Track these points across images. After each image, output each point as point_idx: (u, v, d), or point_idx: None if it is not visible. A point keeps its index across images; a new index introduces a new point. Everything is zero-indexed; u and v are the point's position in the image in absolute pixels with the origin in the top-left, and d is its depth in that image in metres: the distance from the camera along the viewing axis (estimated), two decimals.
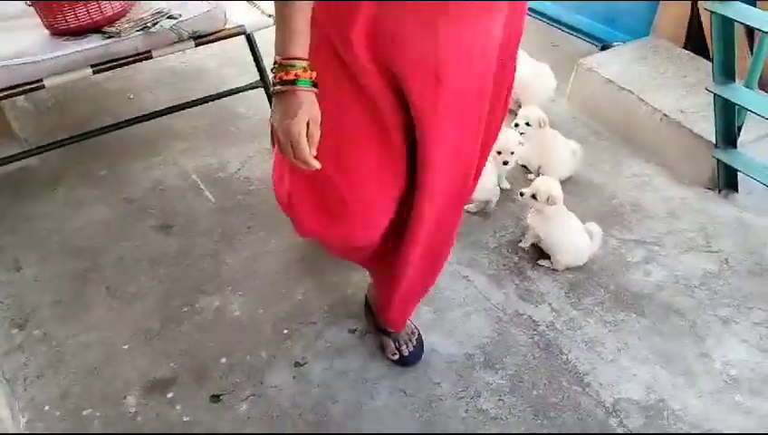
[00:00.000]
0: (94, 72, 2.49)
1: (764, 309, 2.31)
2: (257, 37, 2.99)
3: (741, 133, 2.64)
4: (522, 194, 2.48)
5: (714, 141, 2.68)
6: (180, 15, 2.58)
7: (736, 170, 2.68)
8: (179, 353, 2.20)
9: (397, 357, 2.13)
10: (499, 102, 1.65)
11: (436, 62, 1.38)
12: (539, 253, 2.52)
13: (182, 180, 2.94)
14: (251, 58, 3.07)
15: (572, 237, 2.44)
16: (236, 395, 2.07)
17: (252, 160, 3.06)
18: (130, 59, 2.54)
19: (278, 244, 2.62)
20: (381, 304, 2.10)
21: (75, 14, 2.48)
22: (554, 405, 2.03)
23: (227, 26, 2.73)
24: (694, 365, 2.13)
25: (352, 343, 2.23)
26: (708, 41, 3.15)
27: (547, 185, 2.43)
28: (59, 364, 2.17)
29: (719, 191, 2.77)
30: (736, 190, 2.76)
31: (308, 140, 1.33)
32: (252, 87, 3.14)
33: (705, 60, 3.17)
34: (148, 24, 2.51)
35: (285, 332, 2.27)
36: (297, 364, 2.16)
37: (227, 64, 3.74)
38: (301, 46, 1.29)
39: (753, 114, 2.49)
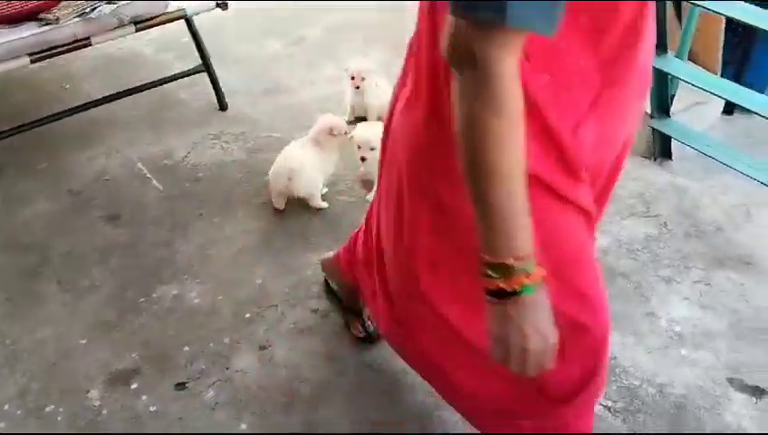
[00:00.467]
0: (32, 62, 2.41)
1: (702, 268, 2.45)
2: (196, 20, 2.95)
3: (673, 103, 2.78)
4: None
5: (648, 112, 2.81)
6: (120, 0, 2.52)
7: (670, 138, 2.82)
8: (140, 344, 2.18)
9: (363, 335, 2.16)
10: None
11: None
12: None
13: (127, 170, 2.88)
14: (188, 42, 3.03)
15: None
16: (202, 382, 2.07)
17: (198, 147, 3.02)
18: (69, 46, 2.47)
19: (232, 229, 2.61)
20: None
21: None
22: None
23: (168, 10, 2.68)
24: (641, 324, 2.25)
25: (316, 322, 2.25)
26: None
27: None
28: (15, 362, 2.11)
29: (655, 159, 2.92)
30: (671, 158, 2.90)
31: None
32: (194, 72, 3.10)
33: None
34: (87, 10, 2.44)
35: (247, 316, 2.27)
36: (262, 347, 2.17)
37: (164, 49, 3.66)
38: (527, 241, 0.96)
39: (683, 84, 2.63)
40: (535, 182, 1.03)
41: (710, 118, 3.08)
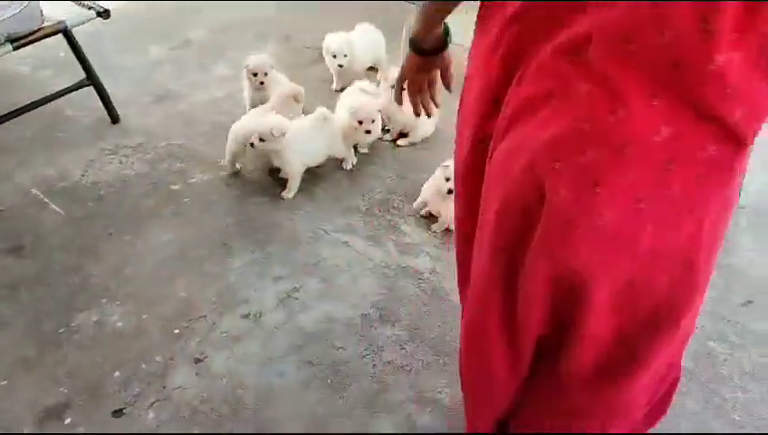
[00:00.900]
0: None
1: None
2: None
3: None
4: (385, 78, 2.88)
5: None
6: None
7: None
8: (66, 376, 2.07)
9: None
10: None
11: None
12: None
13: (21, 197, 2.71)
14: (66, 56, 2.88)
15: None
16: (140, 405, 1.99)
17: (95, 164, 2.88)
18: None
19: (145, 245, 2.52)
20: None
21: None
22: (451, 343, 2.17)
23: (45, 24, 2.53)
24: None
25: (248, 327, 2.22)
26: None
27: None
28: None
29: None
30: None
31: None
32: (80, 86, 2.94)
33: None
34: None
35: (176, 331, 2.21)
36: (197, 361, 2.12)
37: (42, 66, 3.45)
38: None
39: None
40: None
41: None
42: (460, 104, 1.43)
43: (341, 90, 3.16)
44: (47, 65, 3.45)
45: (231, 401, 2.01)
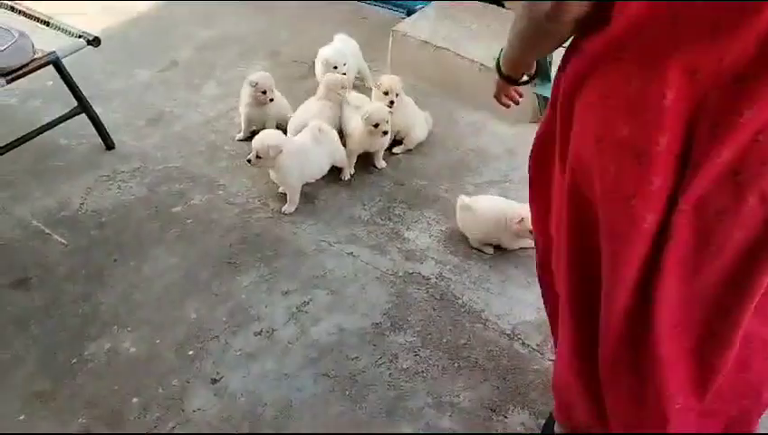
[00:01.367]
0: None
1: None
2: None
3: (552, 67, 2.95)
4: (379, 85, 2.92)
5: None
6: None
7: None
8: (84, 406, 2.07)
9: None
10: None
11: None
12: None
13: (22, 229, 2.70)
14: (54, 85, 2.87)
15: (417, 113, 2.97)
16: (161, 429, 2.00)
17: (93, 192, 2.88)
18: None
19: (151, 269, 2.52)
20: None
21: None
22: (464, 346, 2.20)
23: (36, 56, 2.54)
24: None
25: (261, 344, 2.24)
26: None
27: (392, 79, 2.89)
28: None
29: None
30: None
31: None
32: (73, 114, 2.94)
33: (499, 7, 3.48)
34: None
35: (190, 353, 2.22)
36: (214, 381, 2.13)
37: (31, 97, 3.44)
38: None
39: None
40: None
41: None
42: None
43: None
44: (36, 95, 3.44)
45: (251, 419, 2.02)
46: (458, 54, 3.19)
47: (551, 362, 2.13)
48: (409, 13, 3.68)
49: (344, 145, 2.90)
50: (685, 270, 1.24)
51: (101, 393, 2.11)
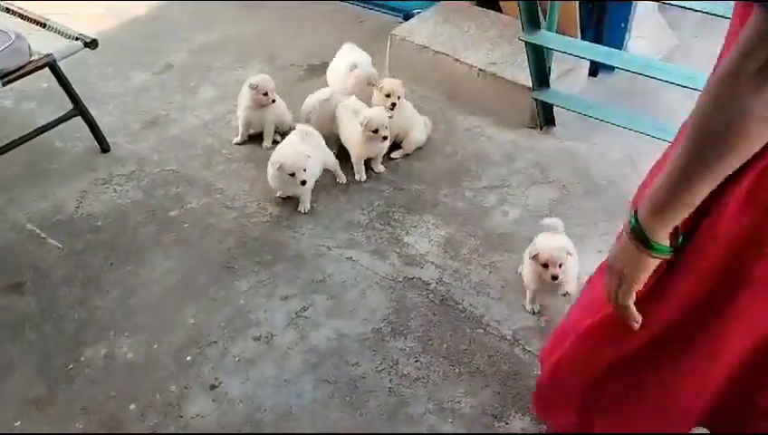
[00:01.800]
0: None
1: (606, 220, 2.64)
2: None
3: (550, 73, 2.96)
4: (381, 88, 2.91)
5: (528, 85, 2.98)
6: None
7: (552, 107, 3.01)
8: (81, 412, 2.05)
9: None
10: None
11: None
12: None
13: (17, 233, 2.67)
14: (49, 87, 2.85)
15: (416, 117, 2.99)
16: None
17: (89, 195, 2.85)
18: None
19: (148, 274, 2.50)
20: None
21: None
22: (465, 352, 2.19)
23: (33, 58, 2.51)
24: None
25: (260, 349, 2.22)
26: None
27: (394, 82, 2.89)
28: None
29: (540, 128, 3.10)
30: (554, 124, 3.10)
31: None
32: (69, 117, 2.92)
33: (495, 12, 3.48)
34: None
35: (188, 359, 2.20)
36: (212, 387, 2.11)
37: (25, 99, 3.41)
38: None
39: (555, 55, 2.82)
40: None
41: (580, 82, 3.31)
42: None
43: None
44: (30, 97, 3.41)
45: (251, 426, 2.00)
46: (457, 59, 3.19)
47: None
48: (407, 17, 3.67)
49: (338, 149, 2.93)
50: None
51: (98, 399, 2.08)
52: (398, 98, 2.87)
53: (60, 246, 2.61)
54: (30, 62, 2.48)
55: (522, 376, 2.11)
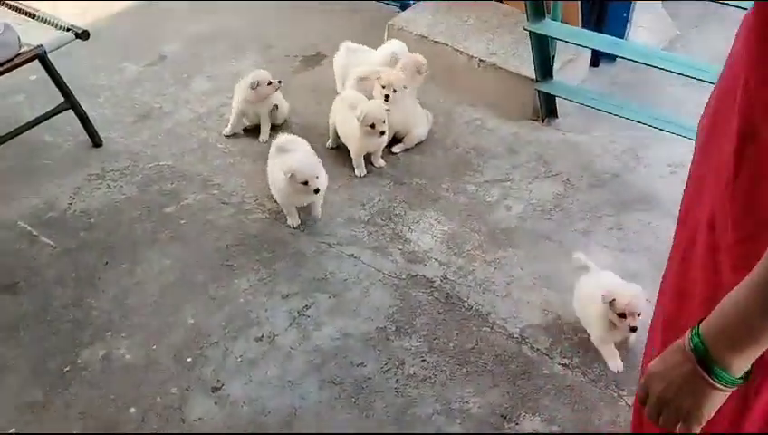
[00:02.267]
0: None
1: (611, 214, 2.60)
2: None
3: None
4: (379, 79, 2.82)
5: (528, 76, 2.93)
6: None
7: (554, 98, 2.96)
8: (79, 417, 1.99)
9: None
10: None
11: None
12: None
13: (7, 231, 2.60)
14: (38, 79, 2.76)
15: (419, 112, 2.92)
16: None
17: (82, 191, 2.77)
18: None
19: (145, 272, 2.43)
20: None
21: None
22: (472, 350, 2.15)
23: (23, 50, 2.43)
24: (573, 279, 2.34)
25: (262, 349, 2.16)
26: None
27: (393, 74, 2.82)
28: None
29: (542, 120, 3.05)
30: (556, 116, 3.05)
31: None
32: (60, 110, 2.84)
33: (494, 1, 3.42)
34: None
35: (189, 360, 2.14)
36: (214, 389, 2.06)
37: (13, 92, 3.32)
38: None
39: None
40: None
41: (581, 72, 3.26)
42: None
43: None
44: (18, 90, 3.32)
45: (255, 429, 1.95)
46: (457, 49, 3.13)
47: (560, 367, 2.09)
48: (403, 7, 3.61)
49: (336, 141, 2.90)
50: None
51: (96, 403, 2.02)
52: (394, 91, 2.80)
53: (53, 244, 2.54)
54: (19, 54, 2.40)
55: (530, 375, 2.07)
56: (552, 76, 2.87)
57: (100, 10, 3.97)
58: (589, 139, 2.97)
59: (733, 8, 2.34)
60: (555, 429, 1.93)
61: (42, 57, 2.61)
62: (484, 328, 2.21)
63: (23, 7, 2.68)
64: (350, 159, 2.83)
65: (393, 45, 3.10)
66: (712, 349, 0.84)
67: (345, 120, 2.78)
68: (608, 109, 2.81)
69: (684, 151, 2.79)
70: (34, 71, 2.97)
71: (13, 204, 2.71)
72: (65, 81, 2.87)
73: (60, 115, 2.92)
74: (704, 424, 0.90)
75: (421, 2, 3.50)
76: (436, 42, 3.19)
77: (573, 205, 2.65)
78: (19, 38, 2.39)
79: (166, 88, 3.40)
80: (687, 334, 0.87)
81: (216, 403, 2.02)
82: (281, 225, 2.61)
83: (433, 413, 1.98)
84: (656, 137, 2.84)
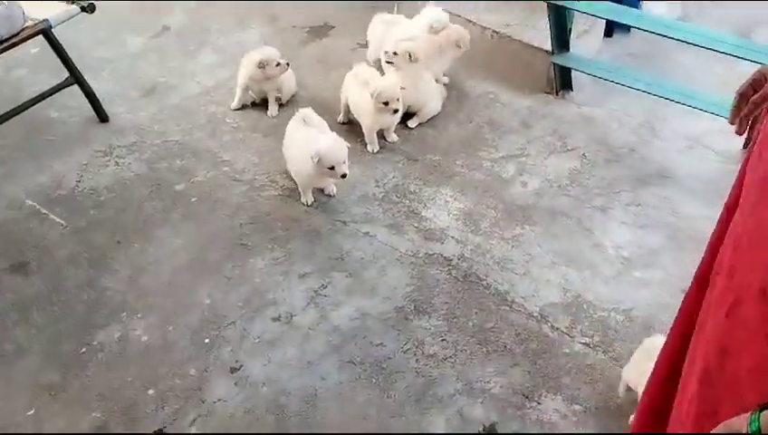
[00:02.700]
0: None
1: (628, 190, 2.57)
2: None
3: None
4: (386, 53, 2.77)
5: (544, 48, 2.87)
6: None
7: (570, 71, 2.91)
8: (97, 399, 1.97)
9: None
10: None
11: None
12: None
13: (17, 210, 2.56)
14: (39, 53, 2.70)
15: (433, 87, 2.86)
16: (180, 423, 1.91)
17: (89, 168, 2.73)
18: None
19: (157, 252, 2.40)
20: None
21: None
22: (492, 330, 2.13)
23: (28, 24, 2.36)
24: (592, 256, 2.33)
25: (281, 330, 2.14)
26: None
27: (410, 45, 2.76)
28: None
29: (557, 93, 3.00)
30: (571, 89, 3.00)
31: None
32: (65, 85, 2.77)
33: None
34: None
35: (206, 341, 2.12)
36: (233, 370, 2.04)
37: (15, 66, 3.25)
38: None
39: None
40: None
41: (596, 43, 3.20)
42: None
43: None
44: (21, 64, 3.25)
45: (276, 410, 1.94)
46: (470, 20, 3.06)
47: (581, 346, 2.07)
48: None
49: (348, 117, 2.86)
50: None
51: (115, 385, 2.01)
52: (410, 56, 2.76)
53: (63, 223, 2.50)
54: (24, 28, 2.33)
55: (551, 355, 2.06)
56: (568, 48, 2.82)
57: None
58: (604, 112, 2.92)
59: None
60: (577, 407, 1.93)
61: (47, 32, 2.54)
62: (504, 307, 2.19)
63: None
64: (362, 134, 2.78)
65: (432, 14, 3.01)
66: None
67: (358, 96, 2.73)
68: (623, 81, 2.77)
69: (700, 126, 2.77)
70: (37, 44, 2.90)
71: (19, 181, 2.66)
72: (69, 55, 2.80)
73: (63, 90, 2.85)
74: None
75: None
76: (448, 13, 3.11)
77: (590, 180, 2.61)
78: (24, 12, 2.31)
79: (171, 61, 3.34)
80: (747, 417, 0.85)
81: (235, 384, 2.00)
82: (294, 202, 2.57)
83: (454, 393, 1.97)
84: (671, 109, 2.80)
